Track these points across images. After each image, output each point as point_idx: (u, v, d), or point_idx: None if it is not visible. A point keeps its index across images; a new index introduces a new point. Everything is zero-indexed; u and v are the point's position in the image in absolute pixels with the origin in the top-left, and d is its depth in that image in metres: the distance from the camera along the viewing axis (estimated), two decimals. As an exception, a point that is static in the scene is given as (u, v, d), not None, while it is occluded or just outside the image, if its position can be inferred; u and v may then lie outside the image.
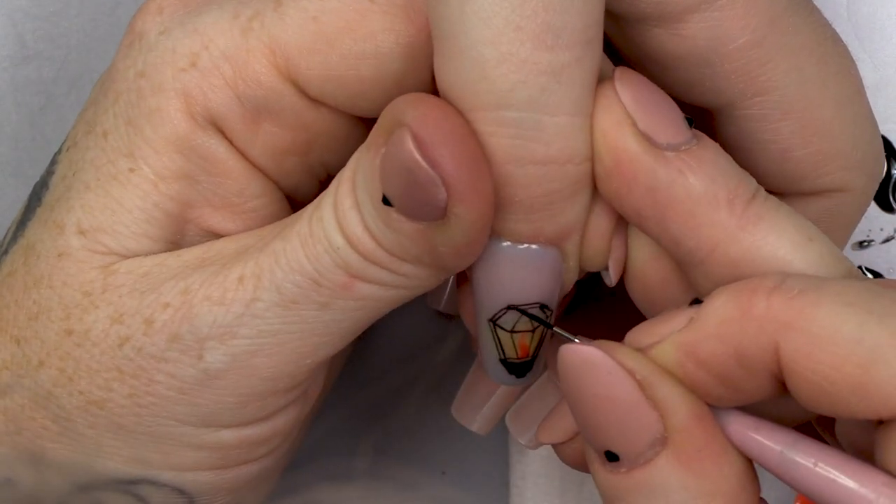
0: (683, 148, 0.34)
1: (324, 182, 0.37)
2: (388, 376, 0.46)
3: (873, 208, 0.48)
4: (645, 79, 0.34)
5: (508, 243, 0.34)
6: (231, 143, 0.36)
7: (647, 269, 0.36)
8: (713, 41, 0.35)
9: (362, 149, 0.34)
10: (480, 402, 0.43)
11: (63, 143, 0.38)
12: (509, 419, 0.43)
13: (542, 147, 0.32)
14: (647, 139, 0.33)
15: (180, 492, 0.37)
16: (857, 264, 0.40)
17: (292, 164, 0.37)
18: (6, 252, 0.38)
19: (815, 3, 0.37)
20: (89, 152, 0.37)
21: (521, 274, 0.34)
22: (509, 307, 0.35)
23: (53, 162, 0.38)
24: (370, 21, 0.35)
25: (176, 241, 0.37)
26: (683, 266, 0.34)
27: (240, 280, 0.35)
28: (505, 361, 0.36)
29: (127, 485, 0.37)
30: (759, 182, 0.38)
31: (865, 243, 0.48)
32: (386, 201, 0.33)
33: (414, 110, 0.32)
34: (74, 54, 0.47)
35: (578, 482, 0.47)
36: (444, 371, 0.47)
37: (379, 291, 0.35)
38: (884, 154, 0.40)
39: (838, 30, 0.38)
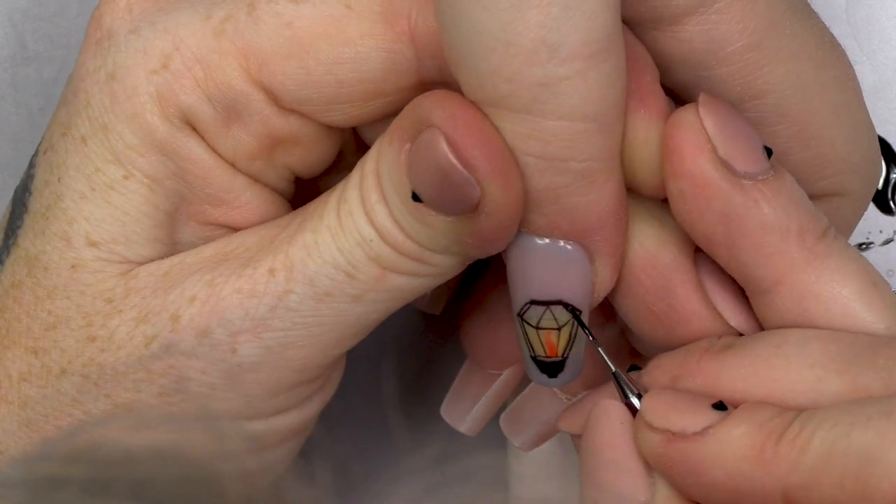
0: (760, 178, 0.34)
1: (292, 181, 0.38)
2: (385, 376, 0.46)
3: (872, 210, 0.48)
4: (730, 106, 0.34)
5: (531, 236, 0.34)
6: (207, 142, 0.36)
7: (651, 260, 0.36)
8: (710, 44, 0.35)
9: (384, 143, 0.35)
10: (470, 404, 0.43)
11: (39, 146, 0.38)
12: (503, 421, 0.43)
13: (540, 144, 0.33)
14: (726, 166, 0.34)
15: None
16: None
17: (258, 167, 0.37)
18: (0, 262, 0.38)
19: (814, 5, 0.37)
20: (70, 157, 0.36)
21: (541, 268, 0.35)
22: (532, 302, 0.35)
23: (32, 165, 0.38)
24: (348, 27, 0.35)
25: (183, 240, 0.37)
26: (749, 295, 0.35)
27: (270, 272, 0.35)
28: (535, 359, 0.36)
29: None
30: None
31: (865, 245, 0.48)
32: (415, 197, 0.34)
33: (442, 111, 0.33)
34: (74, 55, 0.46)
35: (577, 482, 0.47)
36: (440, 370, 0.47)
37: (409, 281, 0.35)
38: (881, 158, 0.40)
39: (836, 32, 0.38)
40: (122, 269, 0.36)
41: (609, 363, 0.35)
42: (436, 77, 0.35)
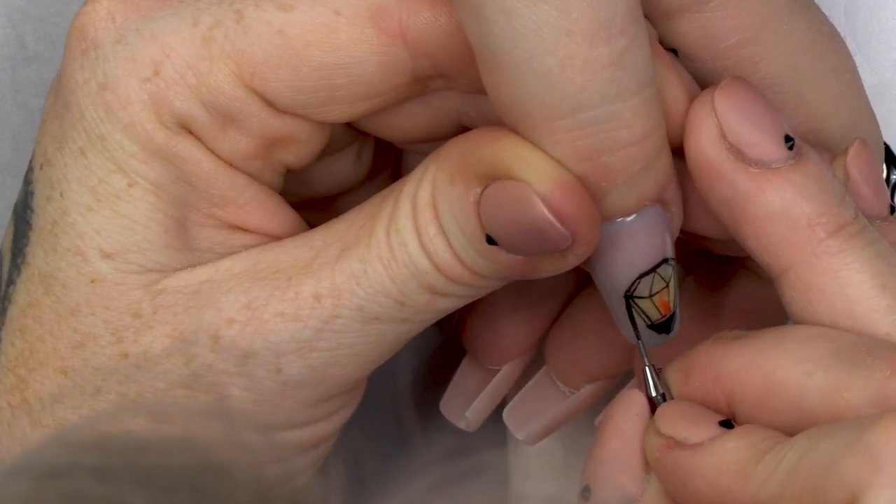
0: (774, 166, 0.34)
1: (283, 175, 0.38)
2: (382, 374, 0.46)
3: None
4: (754, 91, 0.35)
5: (623, 219, 0.35)
6: (205, 145, 0.36)
7: None
8: (704, 40, 0.36)
9: (440, 180, 0.35)
10: (468, 400, 0.43)
11: (32, 161, 0.38)
12: (506, 415, 0.43)
13: (626, 131, 0.33)
14: (734, 151, 0.34)
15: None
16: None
17: (256, 166, 0.37)
18: (11, 282, 0.38)
19: (812, 4, 0.38)
20: (70, 171, 0.36)
21: (639, 241, 0.35)
22: (639, 277, 0.35)
23: (28, 181, 0.38)
24: (339, 33, 0.35)
25: (201, 247, 0.37)
26: (765, 274, 0.35)
27: (316, 298, 0.35)
28: (653, 325, 0.36)
29: None
30: None
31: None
32: (488, 239, 0.34)
33: (524, 164, 0.33)
34: (75, 55, 0.47)
35: (577, 481, 0.47)
36: (440, 368, 0.47)
37: (456, 302, 0.36)
38: (883, 147, 0.40)
39: (835, 33, 0.38)
40: (143, 280, 0.36)
41: (645, 358, 0.36)
42: (431, 73, 0.35)
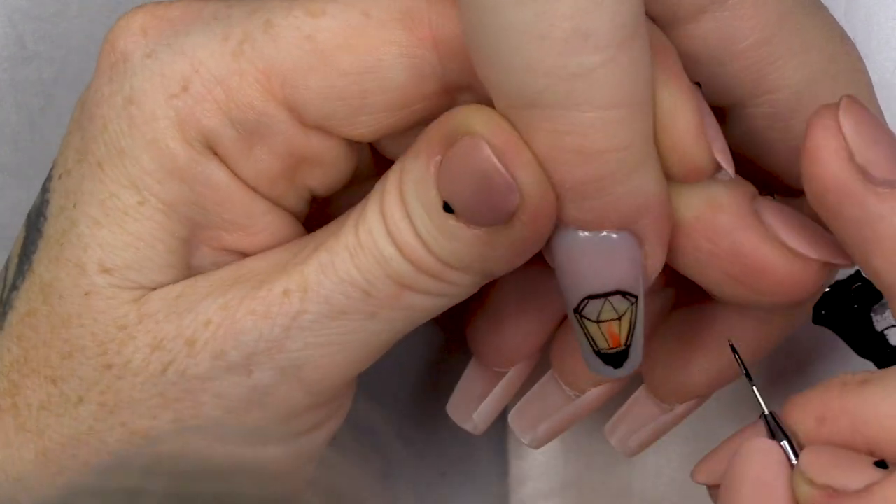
0: None
1: (309, 201, 0.38)
2: (383, 375, 0.46)
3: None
4: (871, 112, 0.34)
5: (580, 232, 0.34)
6: (229, 166, 0.36)
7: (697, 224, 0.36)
8: (723, 41, 0.36)
9: (407, 159, 0.35)
10: (476, 402, 0.43)
11: (52, 170, 0.38)
12: (512, 419, 0.43)
13: (579, 139, 0.33)
14: (863, 172, 0.34)
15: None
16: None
17: (280, 189, 0.37)
18: (15, 287, 0.38)
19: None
20: (86, 183, 0.36)
21: (594, 261, 0.34)
22: (589, 297, 0.35)
23: (46, 190, 0.38)
24: (369, 36, 0.35)
25: (195, 264, 0.37)
26: (885, 296, 0.35)
27: (285, 293, 0.35)
28: (599, 353, 0.36)
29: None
30: (772, 181, 0.38)
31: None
32: (446, 208, 0.34)
33: (481, 116, 0.33)
34: (74, 55, 0.47)
35: (578, 482, 0.47)
36: (440, 370, 0.47)
37: (424, 300, 0.36)
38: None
39: (837, 31, 0.38)
40: (134, 294, 0.36)
41: (762, 405, 0.36)
42: (460, 81, 0.35)
